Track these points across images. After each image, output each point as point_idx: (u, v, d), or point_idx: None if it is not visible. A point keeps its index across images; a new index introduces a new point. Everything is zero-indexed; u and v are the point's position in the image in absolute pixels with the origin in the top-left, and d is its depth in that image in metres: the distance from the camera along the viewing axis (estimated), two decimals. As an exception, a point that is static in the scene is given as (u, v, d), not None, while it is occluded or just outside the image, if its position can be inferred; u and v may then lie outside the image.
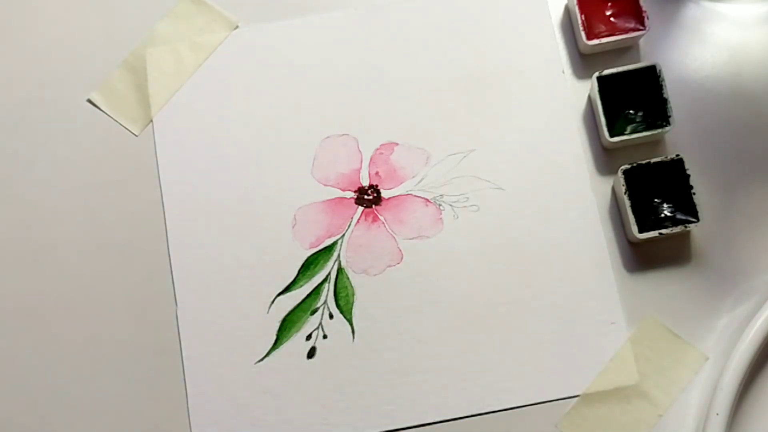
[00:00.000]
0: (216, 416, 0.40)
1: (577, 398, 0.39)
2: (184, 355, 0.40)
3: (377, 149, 0.43)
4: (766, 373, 0.39)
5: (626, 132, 0.41)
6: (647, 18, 0.42)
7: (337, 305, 0.41)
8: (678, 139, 0.42)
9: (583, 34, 0.42)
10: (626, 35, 0.42)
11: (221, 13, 0.45)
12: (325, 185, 0.43)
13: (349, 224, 0.42)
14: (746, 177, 0.42)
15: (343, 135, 0.43)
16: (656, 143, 0.42)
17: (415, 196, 0.42)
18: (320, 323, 0.41)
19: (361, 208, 0.42)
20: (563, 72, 0.43)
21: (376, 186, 0.42)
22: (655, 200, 0.40)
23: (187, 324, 0.41)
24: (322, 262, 0.41)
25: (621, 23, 0.42)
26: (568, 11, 0.44)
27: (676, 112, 0.42)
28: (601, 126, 0.41)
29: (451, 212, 0.42)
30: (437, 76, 0.44)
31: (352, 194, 0.42)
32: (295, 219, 0.42)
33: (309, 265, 0.41)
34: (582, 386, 0.40)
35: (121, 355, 0.41)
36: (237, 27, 0.45)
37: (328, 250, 0.42)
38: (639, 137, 0.41)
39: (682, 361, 0.40)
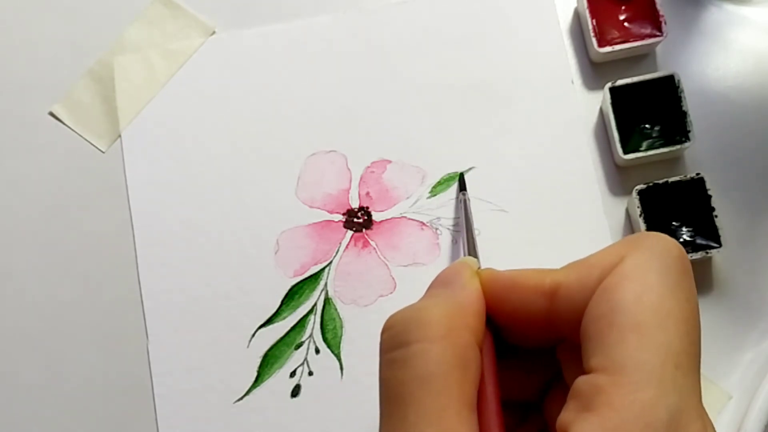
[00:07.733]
0: (190, 462, 0.38)
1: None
2: (155, 393, 0.39)
3: (368, 167, 0.42)
4: (796, 416, 0.37)
5: (641, 148, 0.40)
6: (665, 23, 0.41)
7: (324, 339, 0.40)
8: (698, 157, 0.41)
9: (594, 40, 0.41)
10: (642, 42, 0.41)
11: (196, 17, 0.44)
12: (311, 207, 0.41)
13: (337, 250, 0.41)
14: (773, 198, 0.41)
15: (331, 151, 0.42)
16: (674, 161, 0.41)
17: (409, 219, 0.41)
18: (305, 359, 0.39)
19: (350, 233, 0.41)
20: (572, 82, 0.42)
21: (367, 208, 0.41)
22: (673, 223, 0.39)
23: (159, 359, 0.39)
24: (307, 291, 0.40)
25: (636, 29, 0.41)
26: (577, 16, 0.43)
27: (697, 127, 0.40)
28: (614, 142, 0.40)
29: (449, 237, 0.41)
30: (434, 87, 0.42)
31: (341, 217, 0.41)
32: (277, 244, 0.41)
33: (293, 295, 0.40)
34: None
35: (86, 394, 0.39)
36: (214, 33, 0.44)
37: (314, 278, 0.40)
38: (655, 154, 0.40)
39: (703, 400, 0.38)
